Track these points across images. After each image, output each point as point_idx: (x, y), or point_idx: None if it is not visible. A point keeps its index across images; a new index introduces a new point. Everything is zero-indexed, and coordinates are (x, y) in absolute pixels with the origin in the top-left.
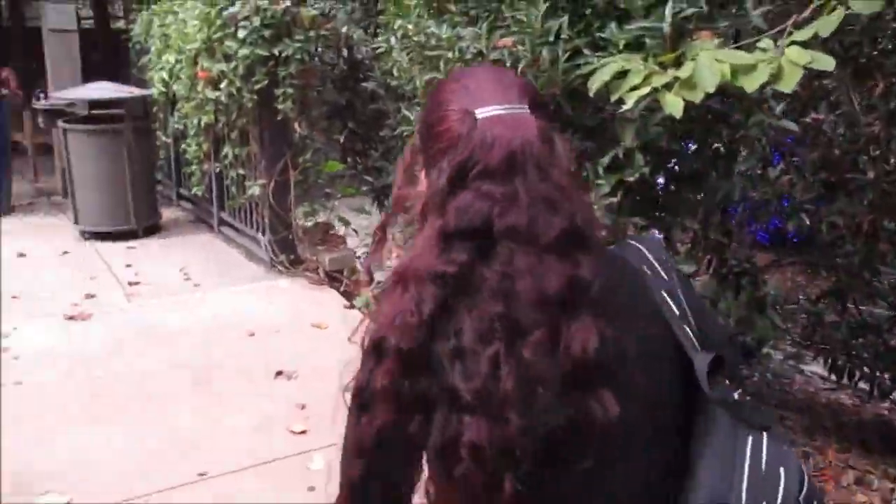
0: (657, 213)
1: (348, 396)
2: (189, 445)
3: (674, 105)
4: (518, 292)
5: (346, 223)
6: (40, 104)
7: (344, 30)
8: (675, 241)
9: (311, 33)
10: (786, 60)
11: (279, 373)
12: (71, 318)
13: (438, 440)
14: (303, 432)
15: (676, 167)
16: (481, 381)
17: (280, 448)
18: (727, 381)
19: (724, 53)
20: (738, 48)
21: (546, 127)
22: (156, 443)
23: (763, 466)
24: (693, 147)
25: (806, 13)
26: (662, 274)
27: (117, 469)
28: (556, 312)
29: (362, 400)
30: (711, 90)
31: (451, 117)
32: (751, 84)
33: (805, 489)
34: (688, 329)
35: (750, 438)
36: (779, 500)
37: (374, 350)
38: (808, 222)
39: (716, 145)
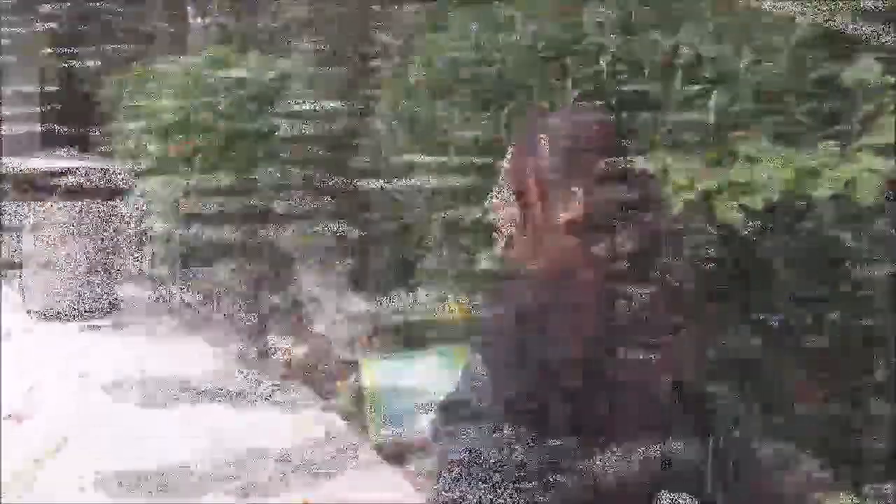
0: None
1: None
2: None
3: (731, 214)
4: None
5: (315, 300)
6: None
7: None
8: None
9: (296, 107)
10: (860, 168)
11: None
12: (9, 416)
13: None
14: None
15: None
16: None
17: None
18: None
19: (787, 156)
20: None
21: None
22: None
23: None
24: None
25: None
26: None
27: None
28: None
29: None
30: (776, 197)
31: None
32: (822, 192)
33: None
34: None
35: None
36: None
37: None
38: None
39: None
